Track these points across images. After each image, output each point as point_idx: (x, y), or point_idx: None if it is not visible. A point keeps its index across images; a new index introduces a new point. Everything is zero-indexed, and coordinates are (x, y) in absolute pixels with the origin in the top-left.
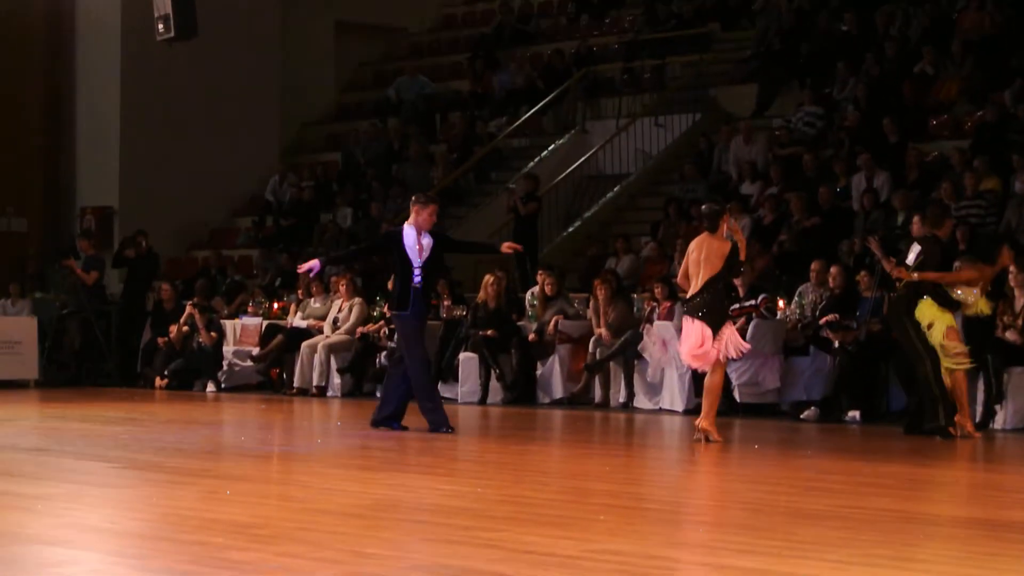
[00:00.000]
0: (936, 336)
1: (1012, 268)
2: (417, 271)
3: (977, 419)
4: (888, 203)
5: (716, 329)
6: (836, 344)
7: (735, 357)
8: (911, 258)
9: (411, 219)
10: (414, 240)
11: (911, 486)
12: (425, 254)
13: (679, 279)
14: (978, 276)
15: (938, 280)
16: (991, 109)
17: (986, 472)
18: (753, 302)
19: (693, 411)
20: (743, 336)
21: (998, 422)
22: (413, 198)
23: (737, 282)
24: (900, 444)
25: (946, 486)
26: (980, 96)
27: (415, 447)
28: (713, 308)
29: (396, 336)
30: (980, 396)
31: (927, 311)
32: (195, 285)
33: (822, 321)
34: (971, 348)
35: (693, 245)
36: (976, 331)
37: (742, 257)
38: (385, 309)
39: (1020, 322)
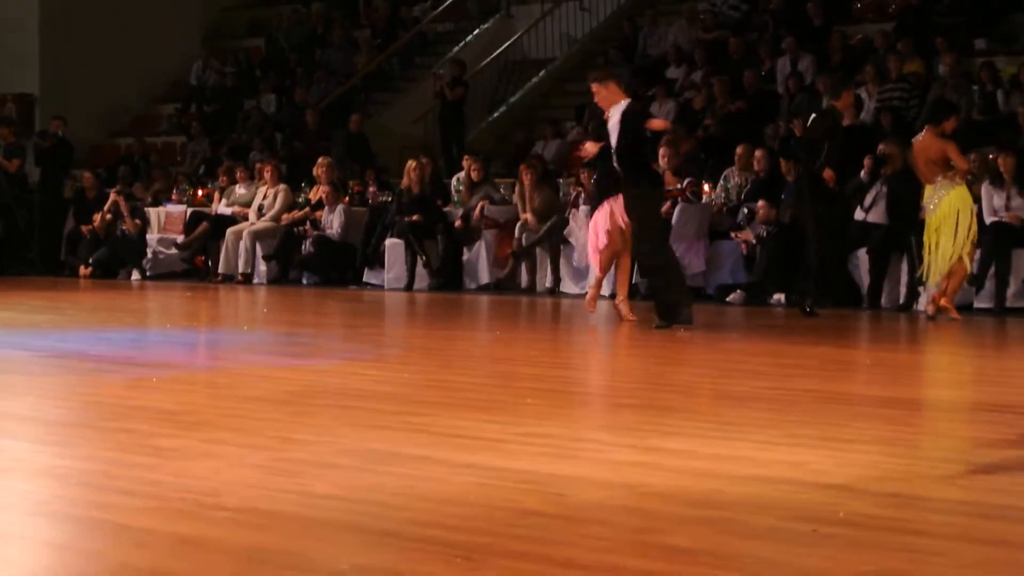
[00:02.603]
0: (964, 221)
1: None
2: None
3: (901, 300)
4: (812, 86)
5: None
6: (749, 240)
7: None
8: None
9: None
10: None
11: (835, 367)
12: (614, 136)
13: None
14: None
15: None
16: None
17: (908, 353)
18: (678, 186)
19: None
20: (669, 221)
21: (921, 303)
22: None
23: (664, 165)
24: (824, 326)
25: (869, 367)
26: None
27: (342, 334)
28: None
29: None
30: (904, 278)
31: (963, 198)
32: (118, 172)
33: (733, 236)
34: (896, 230)
35: None
36: (901, 213)
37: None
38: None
39: None
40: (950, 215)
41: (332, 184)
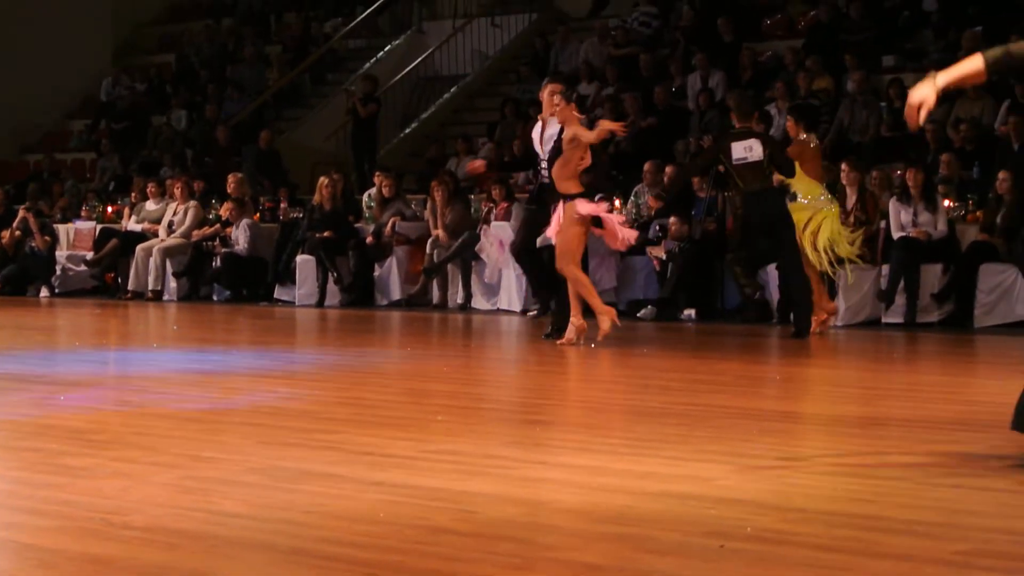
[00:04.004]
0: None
1: (844, 167)
2: (543, 164)
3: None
4: (723, 103)
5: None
6: (660, 256)
7: None
8: (759, 152)
9: None
10: (539, 131)
11: (746, 383)
12: (549, 146)
13: None
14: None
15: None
16: (824, 8)
17: (819, 368)
18: None
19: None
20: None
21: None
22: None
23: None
24: (735, 342)
25: (780, 382)
26: None
27: (252, 351)
28: None
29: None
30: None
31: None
32: (28, 189)
33: (648, 251)
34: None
35: None
36: None
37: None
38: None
39: (852, 220)
40: (814, 220)
41: (235, 200)
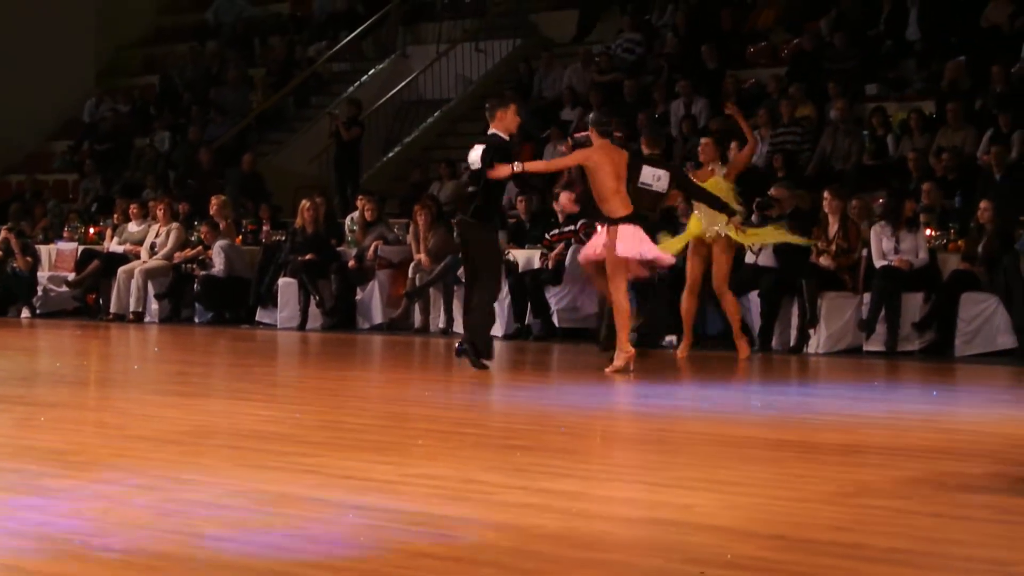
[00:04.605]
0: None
1: (826, 195)
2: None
3: (792, 343)
4: (706, 129)
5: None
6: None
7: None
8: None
9: (493, 125)
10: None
11: (725, 409)
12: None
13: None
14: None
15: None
16: (807, 37)
17: (800, 396)
18: (572, 228)
19: (512, 336)
20: (562, 262)
21: (812, 346)
22: (488, 104)
23: (556, 207)
24: (714, 368)
25: (759, 409)
26: (797, 24)
27: (234, 373)
28: None
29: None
30: (794, 320)
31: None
32: (10, 209)
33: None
34: (786, 273)
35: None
36: (790, 256)
37: None
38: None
39: (834, 248)
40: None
41: (209, 222)
